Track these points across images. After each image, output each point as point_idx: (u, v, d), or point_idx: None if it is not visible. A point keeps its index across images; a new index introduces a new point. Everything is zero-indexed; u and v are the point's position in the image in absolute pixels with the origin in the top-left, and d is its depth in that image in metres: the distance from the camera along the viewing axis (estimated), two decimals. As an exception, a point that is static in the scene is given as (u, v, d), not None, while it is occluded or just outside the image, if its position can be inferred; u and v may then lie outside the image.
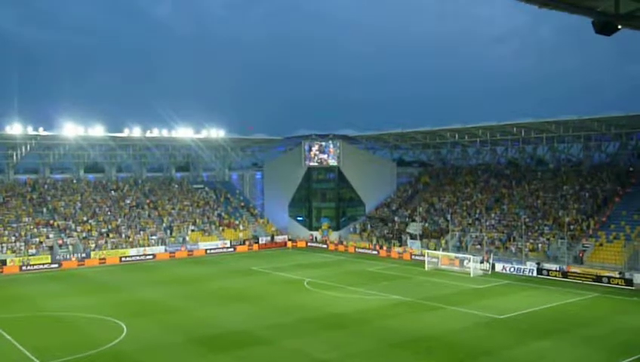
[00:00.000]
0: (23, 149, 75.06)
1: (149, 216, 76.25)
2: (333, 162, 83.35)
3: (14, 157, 76.54)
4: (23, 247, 63.14)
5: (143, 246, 69.28)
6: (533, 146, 78.38)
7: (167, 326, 37.13)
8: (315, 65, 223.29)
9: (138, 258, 67.69)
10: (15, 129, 66.40)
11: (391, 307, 42.26)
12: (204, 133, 79.16)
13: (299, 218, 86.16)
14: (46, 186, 76.87)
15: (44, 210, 71.68)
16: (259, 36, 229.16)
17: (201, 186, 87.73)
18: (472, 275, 54.56)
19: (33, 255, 62.44)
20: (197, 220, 77.94)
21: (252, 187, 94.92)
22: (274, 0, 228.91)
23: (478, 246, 62.48)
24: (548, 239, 59.73)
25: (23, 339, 33.90)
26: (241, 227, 79.65)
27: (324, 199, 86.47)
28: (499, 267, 57.30)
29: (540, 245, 59.41)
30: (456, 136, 77.49)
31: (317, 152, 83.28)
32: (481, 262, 57.36)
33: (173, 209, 79.24)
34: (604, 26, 14.81)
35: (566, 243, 56.36)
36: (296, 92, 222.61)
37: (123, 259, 66.71)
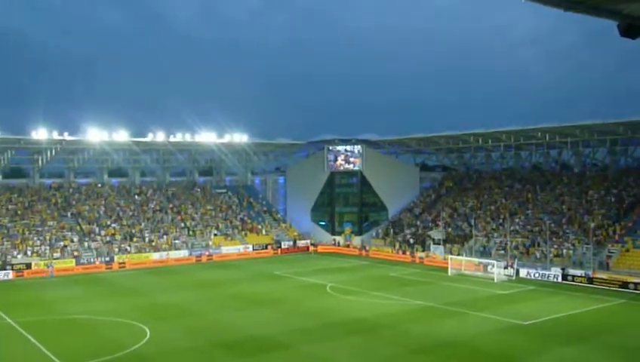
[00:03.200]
0: (49, 154, 75.99)
1: (172, 220, 76.66)
2: (356, 167, 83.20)
3: (40, 161, 77.51)
4: (47, 251, 63.80)
5: (166, 250, 69.65)
6: (558, 150, 77.65)
7: (190, 330, 37.25)
8: (338, 69, 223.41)
9: (161, 262, 68.05)
10: (40, 134, 67.29)
11: (413, 312, 42.03)
12: (227, 138, 79.52)
13: (321, 222, 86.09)
14: (71, 190, 77.67)
15: (69, 214, 72.42)
16: (281, 41, 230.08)
17: (224, 191, 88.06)
18: (495, 281, 54.10)
19: (58, 258, 63.06)
20: (220, 224, 78.22)
21: (275, 191, 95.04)
22: (295, 5, 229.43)
23: (502, 252, 61.94)
24: (573, 244, 59.03)
25: (48, 342, 34.18)
26: (263, 231, 79.80)
27: (347, 204, 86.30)
28: (523, 272, 56.76)
29: (564, 250, 58.72)
30: (480, 140, 77.00)
31: (339, 157, 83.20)
32: (505, 268, 56.83)
33: (196, 213, 79.62)
34: (629, 29, 14.57)
35: (591, 248, 55.67)
36: (318, 96, 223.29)
37: (146, 263, 67.11)
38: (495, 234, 66.09)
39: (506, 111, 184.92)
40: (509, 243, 61.80)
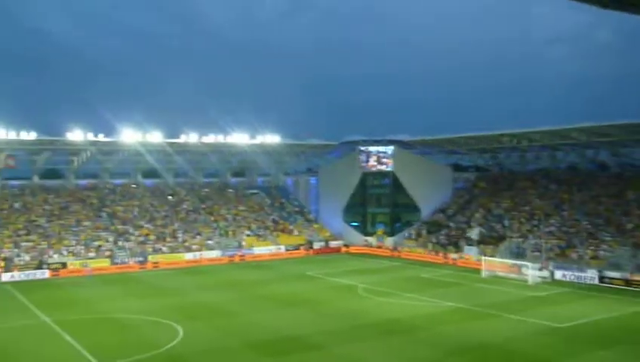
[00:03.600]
0: (84, 155, 77.02)
1: (205, 221, 77.16)
2: (388, 167, 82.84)
3: (75, 162, 78.64)
4: (82, 251, 64.66)
5: (199, 250, 70.12)
6: (595, 150, 76.29)
7: (222, 330, 37.41)
8: (368, 69, 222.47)
9: (194, 262, 68.51)
10: (76, 135, 68.26)
11: (446, 314, 41.67)
12: (259, 139, 79.80)
13: (353, 223, 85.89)
14: (105, 191, 78.66)
15: (104, 214, 73.33)
16: (311, 41, 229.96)
17: (256, 191, 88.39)
18: (530, 283, 53.36)
19: (92, 258, 63.86)
20: (252, 225, 78.51)
21: (307, 192, 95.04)
22: (323, 6, 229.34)
23: (537, 253, 61.07)
24: (610, 246, 57.99)
25: (83, 340, 34.62)
26: (295, 232, 79.89)
27: (379, 204, 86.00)
28: (558, 274, 55.91)
29: (601, 252, 57.71)
30: (514, 140, 75.97)
31: (372, 158, 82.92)
32: (540, 270, 56.03)
33: (229, 214, 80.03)
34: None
35: (629, 250, 54.58)
36: (349, 96, 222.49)
37: (179, 263, 67.64)
38: (530, 236, 65.21)
39: (541, 111, 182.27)
40: (543, 244, 60.94)
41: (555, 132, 69.04)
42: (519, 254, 62.45)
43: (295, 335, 35.87)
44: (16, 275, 58.84)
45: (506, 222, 68.47)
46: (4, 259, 60.10)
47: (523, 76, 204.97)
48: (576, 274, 55.00)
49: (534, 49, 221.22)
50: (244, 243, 74.15)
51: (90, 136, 69.18)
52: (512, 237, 65.51)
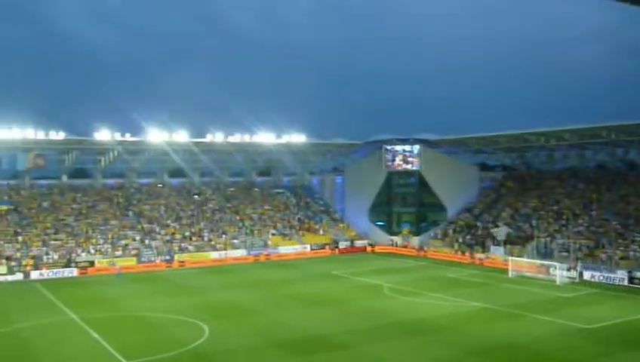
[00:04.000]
0: (111, 155, 77.73)
1: (230, 220, 77.42)
2: (414, 166, 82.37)
3: (102, 162, 79.41)
4: (109, 249, 65.25)
5: (225, 249, 70.36)
6: (624, 149, 75.13)
7: (248, 328, 37.47)
8: (394, 67, 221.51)
9: (220, 261, 68.78)
10: (103, 135, 68.94)
11: (472, 314, 41.31)
12: (284, 138, 79.93)
13: (379, 223, 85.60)
14: (132, 190, 79.32)
15: (130, 213, 73.94)
16: (336, 41, 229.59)
17: (282, 191, 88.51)
18: (558, 283, 52.69)
19: (119, 257, 64.42)
20: (277, 224, 78.62)
21: (332, 191, 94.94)
22: (348, 6, 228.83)
23: (565, 254, 60.31)
24: (640, 246, 57.11)
25: (109, 338, 34.93)
26: (321, 231, 79.84)
27: (405, 204, 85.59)
28: (587, 275, 55.13)
29: (631, 253, 56.80)
30: (542, 139, 75.08)
31: (397, 157, 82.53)
32: (568, 270, 55.33)
33: (255, 213, 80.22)
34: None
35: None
36: (375, 95, 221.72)
37: (205, 262, 67.94)
38: (557, 236, 64.43)
39: (568, 110, 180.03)
40: (572, 244, 60.16)
41: (585, 130, 68.11)
42: (547, 254, 61.75)
43: (320, 334, 35.82)
44: (45, 273, 59.58)
45: (534, 222, 67.71)
46: (33, 258, 60.89)
47: (551, 74, 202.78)
48: (606, 274, 54.20)
49: (565, 47, 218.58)
50: (269, 242, 74.28)
51: (117, 136, 69.83)
52: (539, 237, 64.76)
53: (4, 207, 68.33)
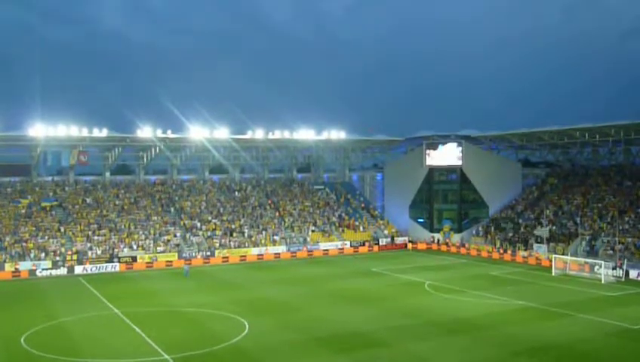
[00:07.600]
0: (153, 151, 78.66)
1: (270, 216, 77.64)
2: (455, 163, 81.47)
3: (145, 158, 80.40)
4: (151, 245, 65.98)
5: (265, 245, 70.61)
6: (673, 145, 73.30)
7: (288, 324, 37.49)
8: (435, 64, 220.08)
9: (260, 257, 69.04)
10: (145, 132, 69.66)
11: (516, 312, 40.67)
12: (324, 135, 79.80)
13: (419, 219, 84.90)
14: (174, 187, 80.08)
15: (172, 209, 74.67)
16: (376, 36, 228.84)
17: (322, 187, 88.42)
18: (603, 282, 51.59)
19: (161, 252, 65.12)
20: (317, 221, 78.57)
21: (372, 188, 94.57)
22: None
23: (611, 252, 59.07)
24: (689, 245, 55.61)
25: (151, 332, 35.35)
26: (361, 228, 79.54)
27: (446, 201, 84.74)
28: (633, 274, 53.85)
29: (680, 251, 55.40)
30: (587, 135, 73.57)
31: (438, 153, 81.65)
32: (614, 268, 54.12)
33: (295, 209, 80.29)
34: None
35: None
36: (419, 81, 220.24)
37: (245, 257, 68.28)
38: (603, 234, 63.13)
39: (614, 105, 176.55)
40: (617, 242, 58.87)
41: (630, 126, 66.51)
42: (591, 252, 60.56)
43: (361, 331, 35.64)
44: (88, 268, 60.55)
45: (578, 220, 66.43)
46: (77, 253, 61.92)
47: (597, 69, 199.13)
48: (653, 273, 52.92)
49: (610, 42, 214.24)
50: (309, 238, 74.28)
51: (159, 133, 70.50)
52: (583, 235, 63.54)
53: (49, 203, 69.60)
